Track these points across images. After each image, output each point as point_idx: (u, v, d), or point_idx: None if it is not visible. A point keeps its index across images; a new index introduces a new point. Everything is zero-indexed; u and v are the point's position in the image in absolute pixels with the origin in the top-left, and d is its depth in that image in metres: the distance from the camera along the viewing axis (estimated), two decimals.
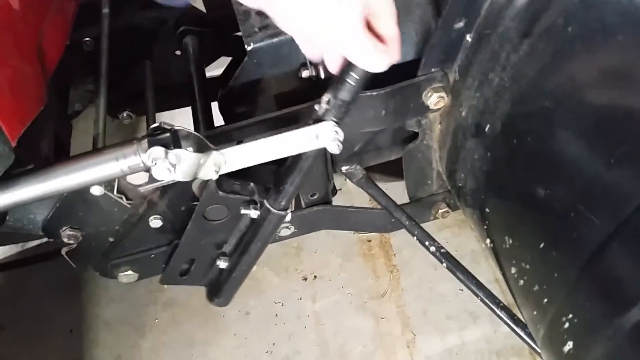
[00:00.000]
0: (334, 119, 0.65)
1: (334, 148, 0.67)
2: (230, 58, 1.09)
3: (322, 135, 0.66)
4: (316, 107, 0.66)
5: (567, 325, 0.58)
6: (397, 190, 0.98)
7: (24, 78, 0.62)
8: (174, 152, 0.63)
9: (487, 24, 0.67)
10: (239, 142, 0.73)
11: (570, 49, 0.57)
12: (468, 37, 0.70)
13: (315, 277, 1.06)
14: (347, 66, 0.62)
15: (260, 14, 0.81)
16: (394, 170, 1.01)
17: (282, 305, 1.04)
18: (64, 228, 0.80)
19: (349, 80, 0.62)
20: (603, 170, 0.54)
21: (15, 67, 0.60)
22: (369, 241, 1.08)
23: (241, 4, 0.83)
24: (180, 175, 0.64)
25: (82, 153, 0.65)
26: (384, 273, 1.05)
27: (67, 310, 1.10)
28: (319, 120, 0.66)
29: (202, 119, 0.99)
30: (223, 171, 0.68)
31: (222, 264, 0.91)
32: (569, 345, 0.58)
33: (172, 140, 0.64)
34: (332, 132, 0.66)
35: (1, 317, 1.10)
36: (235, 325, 1.02)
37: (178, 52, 1.10)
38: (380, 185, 0.95)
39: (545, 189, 0.61)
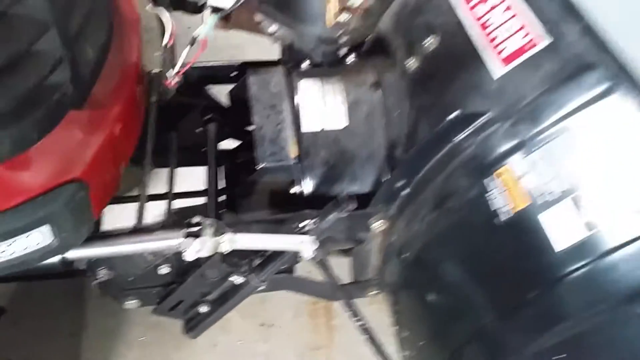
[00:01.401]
0: (315, 236, 0.99)
1: (310, 255, 1.00)
2: None
3: (304, 244, 1.00)
4: (303, 223, 1.00)
5: None
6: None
7: (112, 176, 0.93)
8: (200, 240, 0.95)
9: (416, 190, 1.02)
10: None
11: (454, 228, 0.92)
12: (404, 192, 1.05)
13: (272, 325, 1.38)
14: (333, 206, 0.96)
15: (272, 140, 1.14)
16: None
17: (242, 343, 1.34)
18: (101, 268, 1.10)
19: (330, 217, 0.96)
20: (458, 303, 0.89)
21: (109, 171, 0.91)
22: (316, 303, 1.41)
23: (261, 129, 1.16)
24: (205, 253, 0.96)
25: (140, 229, 0.97)
26: (323, 331, 1.37)
27: (71, 315, 1.37)
28: (304, 232, 1.00)
29: (213, 182, 1.29)
30: (234, 247, 1.00)
31: (203, 308, 1.22)
32: None
33: (200, 231, 0.96)
34: (311, 244, 0.99)
35: (14, 313, 1.36)
36: (203, 353, 1.32)
37: (199, 129, 1.42)
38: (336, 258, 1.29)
39: (427, 306, 0.96)
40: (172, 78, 0.96)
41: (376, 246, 1.19)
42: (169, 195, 1.33)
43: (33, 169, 0.81)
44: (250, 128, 1.17)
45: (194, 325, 1.24)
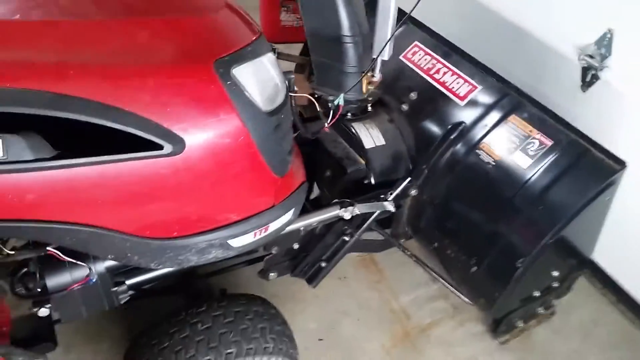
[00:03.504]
0: (393, 201, 1.90)
1: (392, 210, 1.91)
2: None
3: (389, 205, 1.90)
4: (382, 196, 1.90)
5: (474, 268, 1.87)
6: None
7: None
8: (349, 208, 1.79)
9: (433, 168, 1.99)
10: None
11: (465, 177, 1.92)
12: (426, 171, 2.01)
13: (345, 277, 2.21)
14: (397, 185, 1.88)
15: (347, 157, 2.02)
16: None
17: (333, 292, 2.14)
18: (273, 246, 1.84)
19: (398, 190, 1.88)
20: (475, 218, 1.87)
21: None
22: (364, 259, 2.28)
23: (336, 154, 2.04)
24: (350, 215, 1.80)
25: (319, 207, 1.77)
26: (375, 272, 2.24)
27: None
28: (385, 200, 1.90)
29: None
30: (360, 212, 1.84)
31: (323, 264, 2.01)
32: (473, 269, 1.87)
33: (347, 205, 1.80)
34: (391, 205, 1.90)
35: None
36: (313, 303, 2.08)
37: None
38: None
39: (456, 227, 1.92)
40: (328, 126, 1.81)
41: (407, 207, 2.12)
42: None
43: (292, 177, 1.58)
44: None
45: (314, 278, 2.01)
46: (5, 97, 1.02)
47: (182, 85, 1.19)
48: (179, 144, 1.19)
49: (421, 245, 2.16)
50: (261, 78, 1.33)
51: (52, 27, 1.12)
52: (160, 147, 1.17)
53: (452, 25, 2.57)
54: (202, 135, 1.22)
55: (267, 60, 1.39)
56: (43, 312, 1.41)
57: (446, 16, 2.63)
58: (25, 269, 1.38)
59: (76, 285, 1.36)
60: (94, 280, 1.38)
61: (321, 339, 2.03)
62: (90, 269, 1.38)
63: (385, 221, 2.15)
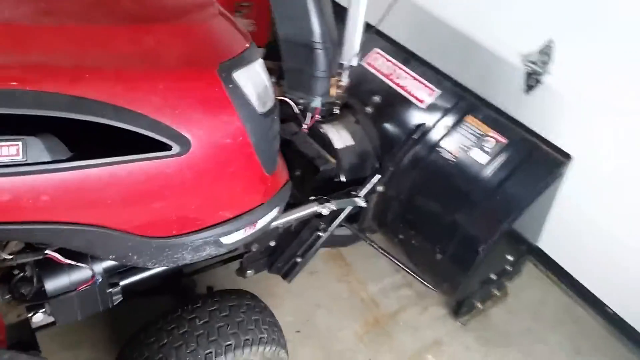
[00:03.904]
0: (363, 196, 2.02)
1: (364, 205, 2.03)
2: None
3: (359, 201, 2.02)
4: (353, 193, 2.02)
5: (438, 255, 2.03)
6: None
7: None
8: (327, 204, 1.89)
9: (398, 165, 2.15)
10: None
11: (428, 172, 2.08)
12: (391, 168, 2.16)
13: (316, 271, 2.31)
14: (366, 182, 2.01)
15: (318, 157, 2.13)
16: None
17: (304, 286, 2.23)
18: (254, 243, 1.90)
19: (367, 186, 2.01)
20: (437, 209, 2.04)
21: None
22: (333, 254, 2.39)
23: (308, 154, 2.15)
24: (328, 212, 1.90)
25: (298, 204, 1.86)
26: (344, 266, 2.36)
27: None
28: (355, 196, 2.03)
29: None
30: (335, 208, 1.95)
31: (298, 259, 2.10)
32: (438, 257, 2.03)
33: (324, 201, 1.90)
34: (362, 200, 2.02)
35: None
36: (286, 297, 2.17)
37: None
38: None
39: (419, 220, 2.08)
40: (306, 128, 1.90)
41: (373, 203, 2.25)
42: None
43: (278, 175, 1.66)
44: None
45: (289, 273, 2.10)
46: (24, 100, 1.04)
47: (190, 89, 1.25)
48: (185, 144, 1.25)
49: (386, 238, 2.30)
50: (256, 82, 1.41)
51: (66, 32, 1.14)
52: (169, 148, 1.22)
53: (407, 36, 2.75)
54: (206, 135, 1.28)
55: (259, 65, 1.47)
56: (38, 317, 1.40)
57: (402, 27, 2.81)
58: (21, 274, 1.37)
59: (83, 286, 1.37)
60: (100, 280, 1.39)
61: (298, 331, 2.12)
62: (92, 270, 1.39)
63: (352, 217, 2.28)
